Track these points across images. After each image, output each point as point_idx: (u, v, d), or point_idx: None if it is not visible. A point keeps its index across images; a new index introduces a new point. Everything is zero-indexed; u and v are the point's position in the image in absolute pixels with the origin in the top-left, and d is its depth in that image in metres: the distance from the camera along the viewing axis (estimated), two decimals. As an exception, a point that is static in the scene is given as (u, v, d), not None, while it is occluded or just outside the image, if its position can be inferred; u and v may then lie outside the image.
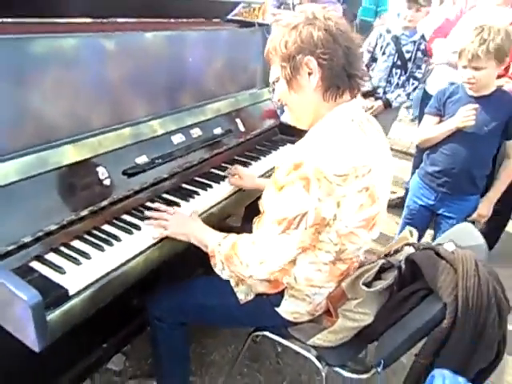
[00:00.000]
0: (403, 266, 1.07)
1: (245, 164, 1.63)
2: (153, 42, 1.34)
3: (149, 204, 1.28)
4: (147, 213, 1.19)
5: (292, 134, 1.99)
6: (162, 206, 1.23)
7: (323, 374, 1.12)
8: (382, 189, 0.99)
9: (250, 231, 1.14)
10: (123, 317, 1.55)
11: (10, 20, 1.14)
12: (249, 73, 1.88)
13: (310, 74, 0.96)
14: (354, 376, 1.12)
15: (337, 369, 1.13)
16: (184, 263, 1.22)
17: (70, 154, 1.09)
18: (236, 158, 1.69)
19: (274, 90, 1.07)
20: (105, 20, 1.44)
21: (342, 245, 0.99)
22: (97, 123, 1.19)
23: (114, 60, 1.22)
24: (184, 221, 1.17)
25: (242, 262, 1.01)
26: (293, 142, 1.94)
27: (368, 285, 1.04)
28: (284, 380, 1.59)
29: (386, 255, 1.19)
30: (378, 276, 1.07)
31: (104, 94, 1.20)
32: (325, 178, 0.87)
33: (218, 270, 1.10)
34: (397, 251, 1.18)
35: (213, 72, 1.63)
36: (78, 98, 1.13)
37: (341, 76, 0.96)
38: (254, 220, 1.27)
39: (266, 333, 1.20)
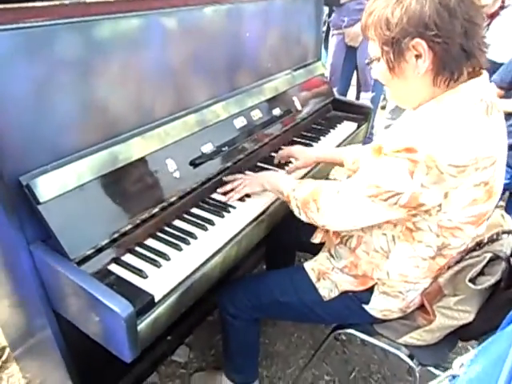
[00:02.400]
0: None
1: (306, 146, 1.52)
2: (211, 18, 1.22)
3: (215, 196, 1.21)
4: (221, 190, 1.19)
5: (345, 109, 1.87)
6: (238, 175, 1.21)
7: (417, 375, 1.05)
8: (500, 182, 0.87)
9: None
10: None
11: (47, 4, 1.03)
12: (302, 45, 1.74)
13: (417, 56, 0.80)
14: (450, 376, 1.04)
15: (430, 368, 1.06)
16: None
17: (139, 148, 1.01)
18: (295, 139, 1.59)
19: (371, 62, 0.91)
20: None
21: (444, 238, 0.89)
22: (162, 111, 1.10)
23: (176, 40, 1.11)
24: (258, 174, 1.19)
25: (319, 209, 0.96)
26: (349, 119, 1.83)
27: (472, 280, 0.95)
28: (353, 370, 1.53)
29: (477, 244, 1.09)
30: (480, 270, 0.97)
31: (168, 78, 1.10)
32: (436, 167, 0.76)
33: (296, 214, 1.05)
34: (492, 239, 1.07)
35: (270, 47, 1.50)
36: (143, 85, 1.04)
37: (458, 58, 0.78)
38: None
39: (350, 330, 1.12)
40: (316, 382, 1.49)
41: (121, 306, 0.76)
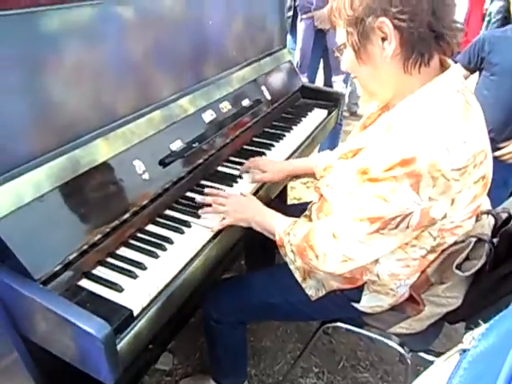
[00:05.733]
0: (495, 241, 0.95)
1: (279, 136, 1.48)
2: (172, 5, 1.14)
3: (189, 194, 1.14)
4: (199, 199, 1.06)
5: (314, 97, 1.83)
6: (214, 190, 1.09)
7: (409, 362, 1.04)
8: (491, 172, 0.83)
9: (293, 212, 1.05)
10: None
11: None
12: (267, 32, 1.67)
13: (383, 39, 0.75)
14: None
15: (421, 354, 1.05)
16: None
17: (102, 150, 0.93)
18: (266, 130, 1.54)
19: (340, 51, 0.88)
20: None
21: (441, 238, 0.84)
22: (125, 109, 1.01)
23: (134, 30, 1.03)
24: (243, 203, 1.05)
25: (319, 257, 0.88)
26: (319, 106, 1.79)
27: (458, 266, 0.93)
28: (341, 359, 1.52)
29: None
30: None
31: (129, 72, 1.02)
32: (442, 176, 0.70)
33: (288, 260, 0.98)
34: (473, 222, 1.07)
35: (234, 35, 1.43)
36: (101, 81, 0.95)
37: (426, 39, 0.73)
38: (311, 206, 1.13)
39: (339, 324, 1.10)
40: (305, 375, 1.47)
41: (96, 327, 0.69)
